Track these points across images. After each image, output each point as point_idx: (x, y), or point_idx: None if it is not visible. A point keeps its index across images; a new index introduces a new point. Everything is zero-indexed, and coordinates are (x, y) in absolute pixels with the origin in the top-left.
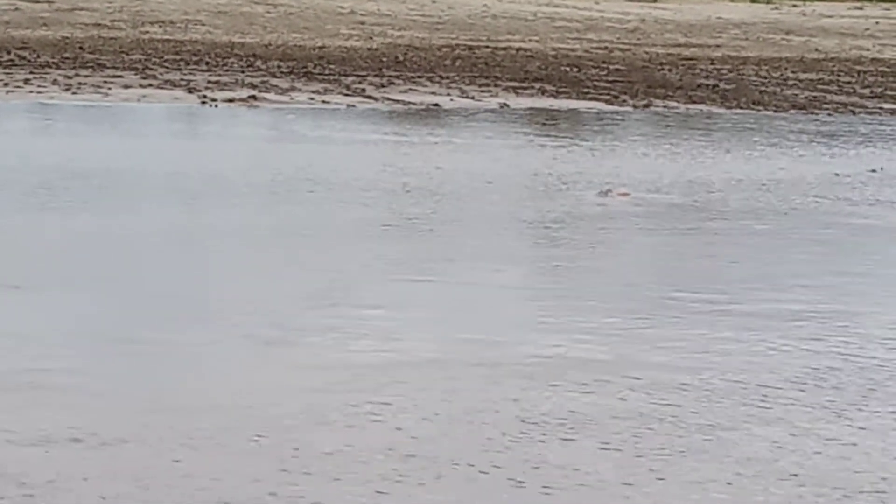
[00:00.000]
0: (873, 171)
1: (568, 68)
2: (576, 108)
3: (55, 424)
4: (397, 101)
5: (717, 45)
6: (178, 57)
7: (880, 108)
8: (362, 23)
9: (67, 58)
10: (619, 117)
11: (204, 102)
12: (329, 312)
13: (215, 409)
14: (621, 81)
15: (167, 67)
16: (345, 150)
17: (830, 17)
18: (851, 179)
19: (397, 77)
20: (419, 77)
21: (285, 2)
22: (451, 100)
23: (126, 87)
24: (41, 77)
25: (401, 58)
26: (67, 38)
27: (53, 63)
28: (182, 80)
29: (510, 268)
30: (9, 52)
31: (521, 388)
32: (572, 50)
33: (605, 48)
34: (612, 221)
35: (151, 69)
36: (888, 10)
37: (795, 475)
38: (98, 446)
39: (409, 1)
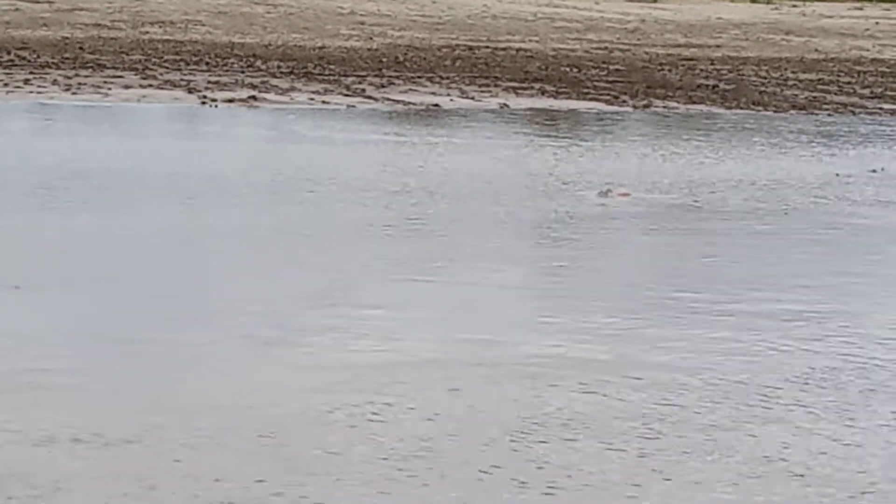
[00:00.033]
0: (874, 171)
1: (568, 69)
2: (576, 108)
3: (58, 424)
4: (397, 102)
5: (717, 46)
6: (178, 57)
7: (880, 109)
8: (362, 23)
9: (67, 58)
10: (619, 117)
11: (204, 103)
12: (329, 312)
13: (217, 410)
14: (621, 82)
15: (167, 68)
16: (345, 151)
17: (830, 17)
18: (852, 180)
19: (397, 77)
20: (419, 77)
21: (285, 2)
22: (451, 100)
23: (126, 87)
24: (41, 77)
25: (401, 58)
26: (67, 38)
27: (53, 63)
28: (182, 80)
29: (510, 268)
30: (9, 53)
31: (523, 388)
32: (572, 50)
33: (605, 48)
34: (612, 221)
35: (151, 69)
36: (888, 10)
37: (801, 475)
38: (101, 447)
39: (409, 1)
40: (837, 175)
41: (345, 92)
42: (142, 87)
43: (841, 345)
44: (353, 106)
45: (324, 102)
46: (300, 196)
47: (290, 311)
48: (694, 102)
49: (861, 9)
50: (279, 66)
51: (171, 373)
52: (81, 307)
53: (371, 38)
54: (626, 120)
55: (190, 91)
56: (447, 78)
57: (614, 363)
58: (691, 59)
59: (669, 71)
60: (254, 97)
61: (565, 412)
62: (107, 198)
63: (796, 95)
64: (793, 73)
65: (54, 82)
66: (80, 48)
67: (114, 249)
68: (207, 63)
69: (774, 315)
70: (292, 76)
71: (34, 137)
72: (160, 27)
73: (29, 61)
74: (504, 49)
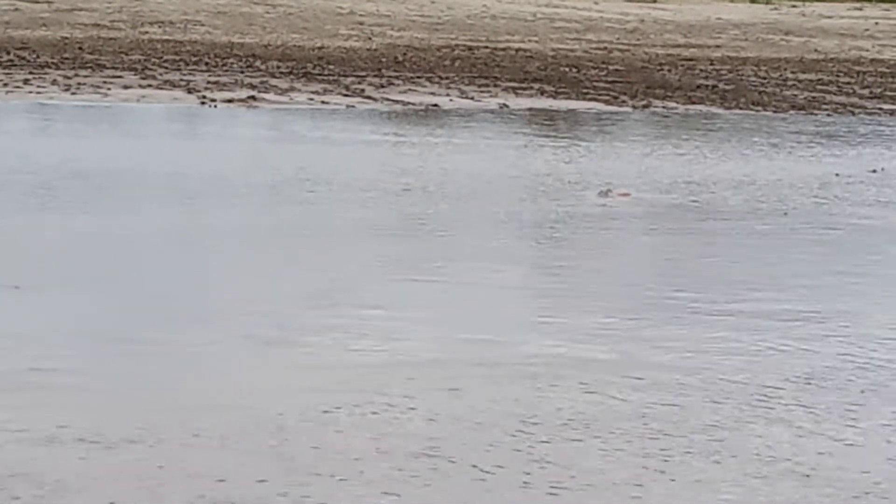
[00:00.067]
0: (873, 171)
1: (567, 69)
2: (575, 108)
3: (60, 424)
4: (396, 102)
5: (717, 46)
6: (177, 57)
7: (880, 109)
8: (361, 23)
9: (67, 58)
10: (619, 118)
11: (203, 103)
12: (329, 312)
13: (219, 410)
14: (620, 82)
15: (166, 68)
16: (344, 151)
17: (830, 17)
18: (852, 180)
19: (396, 77)
20: (418, 77)
21: (284, 2)
22: (451, 100)
23: (125, 87)
24: (40, 77)
25: (400, 58)
26: (67, 38)
27: (53, 63)
28: (181, 80)
29: (510, 268)
30: (8, 53)
31: (524, 388)
32: (571, 50)
33: (605, 49)
34: (612, 221)
35: (151, 69)
36: (888, 10)
37: (805, 475)
38: (105, 446)
39: (409, 1)
40: (837, 175)
41: (344, 92)
42: (141, 87)
43: (841, 345)
44: (353, 106)
45: (323, 102)
46: (300, 196)
47: (290, 311)
48: (693, 102)
49: (860, 9)
50: (278, 67)
51: (171, 373)
52: (81, 307)
53: (370, 39)
54: (625, 120)
55: (189, 91)
56: (446, 78)
57: (614, 363)
58: (691, 60)
59: (669, 71)
60: (253, 97)
61: (567, 412)
62: (106, 198)
63: (796, 96)
64: (792, 73)
65: (54, 82)
66: (80, 48)
67: (114, 249)
68: (207, 63)
69: (774, 315)
70: (292, 76)
71: (34, 137)
72: (159, 27)
73: (28, 61)
74: (503, 49)
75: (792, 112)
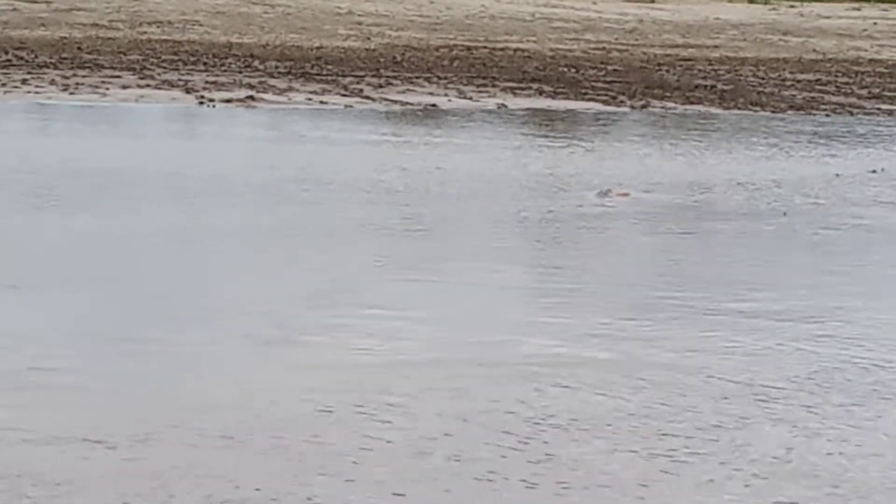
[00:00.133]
0: (873, 171)
1: (566, 69)
2: (574, 108)
3: (62, 424)
4: (395, 102)
5: (715, 46)
6: (175, 57)
7: (878, 109)
8: (360, 23)
9: (65, 58)
10: (617, 118)
11: (202, 103)
12: (329, 312)
13: (223, 410)
14: (619, 82)
15: (165, 68)
16: (343, 151)
17: (828, 17)
18: (852, 180)
19: (395, 77)
20: (417, 77)
21: (283, 2)
22: (449, 100)
23: (124, 87)
24: (39, 77)
25: (398, 58)
26: (65, 38)
27: (51, 63)
28: (180, 80)
29: (510, 268)
30: (6, 53)
31: (525, 388)
32: (570, 50)
33: (603, 49)
34: (612, 221)
35: (149, 69)
36: (886, 10)
37: (810, 475)
38: (108, 446)
39: (407, 1)
40: (838, 175)
41: (342, 92)
42: (139, 87)
43: (842, 345)
44: (351, 106)
45: (321, 102)
46: (300, 196)
47: (290, 311)
48: (692, 103)
49: (859, 9)
50: (277, 67)
51: (171, 373)
52: (81, 307)
53: (369, 39)
54: (624, 120)
55: (188, 91)
56: (445, 78)
57: (615, 363)
58: (689, 60)
59: (667, 71)
60: (251, 97)
61: (569, 412)
62: (106, 198)
63: (794, 96)
64: (791, 73)
65: (52, 82)
66: (78, 48)
67: (113, 249)
68: (205, 63)
69: (774, 315)
70: (290, 76)
71: (32, 137)
72: (158, 27)
73: (27, 61)
74: (502, 49)
75: (790, 112)
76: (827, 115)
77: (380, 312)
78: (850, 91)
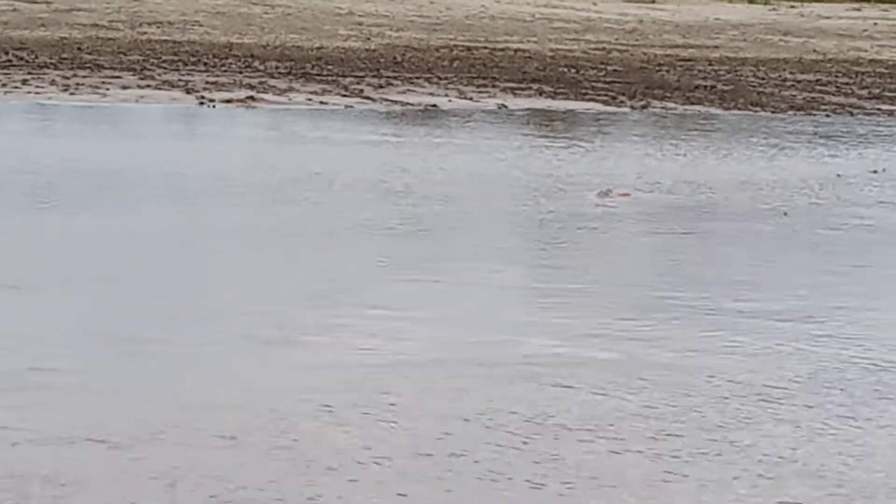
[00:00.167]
0: (874, 171)
1: (566, 69)
2: (574, 108)
3: (64, 425)
4: (395, 102)
5: (715, 46)
6: (175, 57)
7: (878, 109)
8: (360, 24)
9: (65, 58)
10: (617, 118)
11: (202, 103)
12: (329, 312)
13: (224, 410)
14: (619, 82)
15: (165, 68)
16: (343, 151)
17: (828, 18)
18: (853, 180)
19: (395, 78)
20: (417, 78)
21: (283, 2)
22: (450, 101)
23: (124, 87)
24: (39, 77)
25: (399, 58)
26: (65, 38)
27: (51, 63)
28: (180, 80)
29: (510, 268)
30: (7, 53)
31: (526, 388)
32: (570, 51)
33: (603, 49)
34: (613, 221)
35: (149, 70)
36: (886, 11)
37: (815, 475)
38: (110, 446)
39: (407, 2)
40: (839, 175)
41: (343, 92)
42: (140, 87)
43: (842, 345)
44: (351, 106)
45: (322, 103)
46: (300, 196)
47: (290, 311)
48: (692, 103)
49: (859, 9)
50: (277, 67)
51: (171, 373)
52: (81, 307)
53: (369, 39)
54: (624, 121)
55: (188, 91)
56: (445, 78)
57: (615, 363)
58: (689, 60)
59: (667, 71)
60: (252, 97)
61: (571, 412)
62: (106, 198)
63: (794, 96)
64: (791, 73)
65: (52, 82)
66: (78, 48)
67: (114, 249)
68: (205, 63)
69: (774, 315)
70: (290, 76)
71: (33, 138)
72: (158, 27)
73: (27, 62)
74: (502, 50)
75: (790, 112)
76: (827, 116)
77: (380, 312)
78: (850, 91)
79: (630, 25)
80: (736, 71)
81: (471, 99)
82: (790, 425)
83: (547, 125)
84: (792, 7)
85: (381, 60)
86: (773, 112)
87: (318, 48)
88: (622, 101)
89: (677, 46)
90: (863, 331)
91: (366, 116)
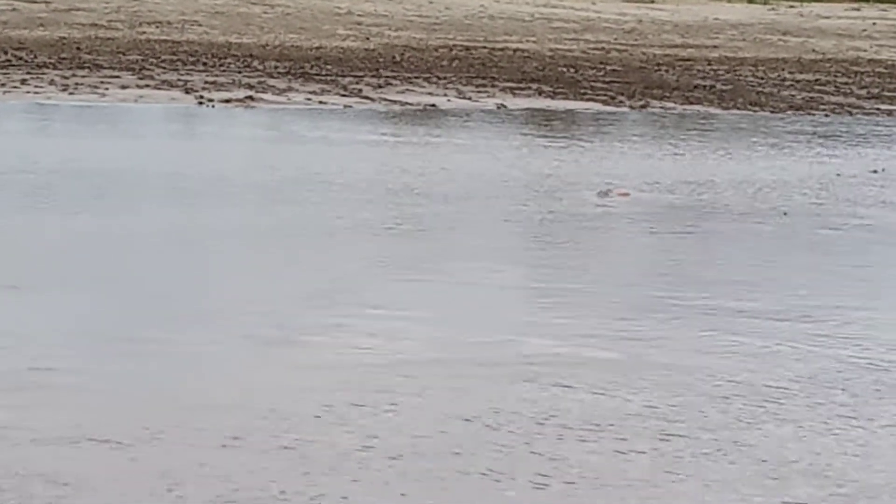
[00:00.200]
0: (874, 171)
1: (565, 69)
2: (573, 108)
3: (65, 425)
4: (394, 102)
5: (714, 46)
6: (175, 57)
7: (877, 109)
8: (359, 23)
9: (64, 58)
10: (617, 118)
11: (201, 103)
12: (329, 312)
13: (224, 410)
14: (618, 82)
15: (164, 68)
16: (343, 151)
17: (828, 17)
18: (852, 180)
19: (394, 77)
20: (416, 78)
21: (282, 2)
22: (449, 100)
23: (123, 87)
24: (38, 77)
25: (398, 58)
26: (64, 38)
27: (50, 63)
28: (179, 80)
29: (510, 268)
30: (6, 53)
31: (527, 388)
32: (569, 51)
33: (603, 49)
34: (613, 221)
35: (148, 69)
36: (885, 10)
37: (818, 475)
38: (112, 447)
39: (406, 1)
40: (838, 175)
41: (342, 92)
42: (139, 87)
43: (842, 345)
44: (350, 106)
45: (321, 103)
46: (299, 196)
47: (290, 311)
48: (691, 103)
49: (858, 9)
50: (276, 67)
51: (171, 373)
52: (81, 307)
53: (368, 39)
54: (623, 120)
55: (187, 91)
56: (444, 78)
57: (616, 363)
58: (688, 60)
59: (666, 71)
60: (251, 97)
61: (573, 412)
62: (106, 198)
63: (793, 96)
64: (790, 73)
65: (51, 82)
66: (77, 48)
67: (114, 249)
68: (204, 63)
69: (774, 315)
70: (289, 76)
71: (32, 137)
72: (157, 27)
73: (26, 61)
74: (501, 49)
75: (790, 112)
76: (826, 116)
77: (380, 312)
78: (849, 91)
79: (629, 25)
80: (735, 71)
81: (470, 99)
82: (792, 425)
83: (546, 125)
84: (791, 7)
85: (380, 60)
86: (772, 112)
87: (317, 48)
88: (621, 101)
89: (676, 46)
90: (862, 330)
91: (365, 116)
